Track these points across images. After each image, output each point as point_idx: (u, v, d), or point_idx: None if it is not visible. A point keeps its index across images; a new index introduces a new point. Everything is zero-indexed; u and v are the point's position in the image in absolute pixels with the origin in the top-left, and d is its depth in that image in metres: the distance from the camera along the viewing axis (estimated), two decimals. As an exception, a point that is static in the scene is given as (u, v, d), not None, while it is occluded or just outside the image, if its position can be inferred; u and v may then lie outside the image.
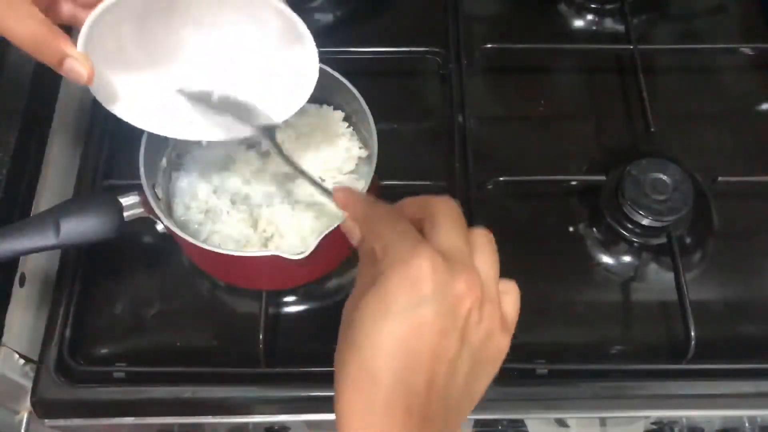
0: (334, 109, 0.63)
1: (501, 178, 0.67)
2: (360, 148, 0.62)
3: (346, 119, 0.63)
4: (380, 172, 0.58)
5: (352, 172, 0.62)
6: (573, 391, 0.60)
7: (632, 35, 0.74)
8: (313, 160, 0.61)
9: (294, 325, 0.62)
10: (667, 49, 0.78)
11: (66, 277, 0.62)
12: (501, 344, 0.38)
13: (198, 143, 0.61)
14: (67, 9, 0.50)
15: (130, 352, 0.61)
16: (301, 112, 0.54)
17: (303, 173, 0.49)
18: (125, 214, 0.52)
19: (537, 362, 0.60)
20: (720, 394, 0.60)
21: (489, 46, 0.74)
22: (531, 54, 0.76)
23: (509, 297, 0.40)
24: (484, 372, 0.39)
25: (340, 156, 0.61)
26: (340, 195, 0.43)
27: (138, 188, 0.54)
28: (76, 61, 0.45)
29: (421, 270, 0.36)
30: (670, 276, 0.63)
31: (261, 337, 0.58)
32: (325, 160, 0.61)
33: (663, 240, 0.64)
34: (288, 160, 0.50)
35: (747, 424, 0.64)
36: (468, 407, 0.39)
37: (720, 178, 0.66)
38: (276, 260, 0.51)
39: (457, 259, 0.37)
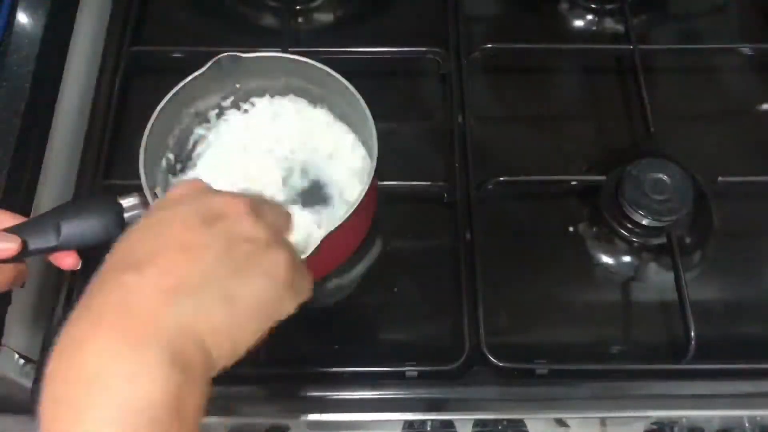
0: (335, 110, 0.63)
1: (501, 178, 0.67)
2: (364, 157, 0.62)
3: (347, 119, 0.63)
4: (380, 172, 0.58)
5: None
6: (573, 391, 0.60)
7: (632, 35, 0.74)
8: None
9: (293, 326, 0.62)
10: (667, 49, 0.78)
11: (66, 277, 0.62)
12: (274, 258, 0.39)
13: (209, 146, 0.61)
14: None
15: (130, 353, 0.61)
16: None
17: None
18: (125, 215, 0.52)
19: (537, 362, 0.60)
20: (720, 394, 0.60)
21: (489, 46, 0.74)
22: (531, 54, 0.76)
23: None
24: (253, 279, 0.38)
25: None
26: None
27: (138, 189, 0.54)
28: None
29: (181, 187, 0.42)
30: (670, 276, 0.63)
31: (261, 337, 0.58)
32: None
33: (663, 240, 0.64)
34: None
35: (747, 424, 0.64)
36: (230, 309, 0.37)
37: (720, 178, 0.66)
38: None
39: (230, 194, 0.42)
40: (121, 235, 0.41)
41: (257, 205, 0.41)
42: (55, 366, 0.33)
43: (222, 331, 0.36)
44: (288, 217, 0.45)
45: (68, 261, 0.50)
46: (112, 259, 0.38)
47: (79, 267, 0.50)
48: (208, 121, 0.63)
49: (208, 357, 0.36)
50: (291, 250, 0.40)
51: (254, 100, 0.64)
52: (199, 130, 0.63)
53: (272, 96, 0.64)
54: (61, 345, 0.34)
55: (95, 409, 0.31)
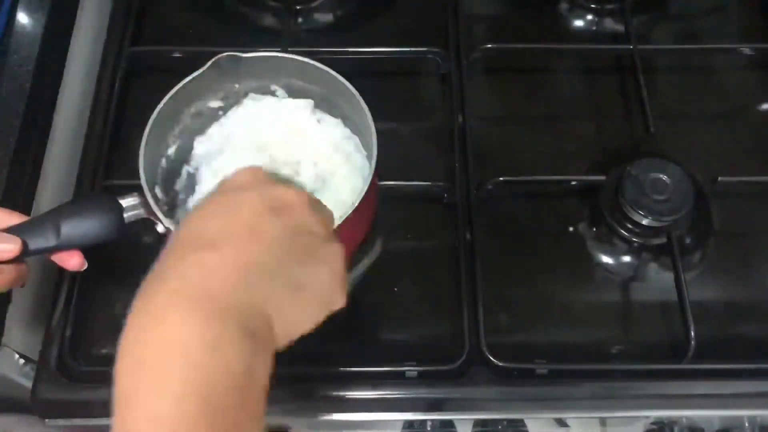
0: (334, 111, 0.63)
1: (501, 178, 0.67)
2: (364, 159, 0.62)
3: (346, 119, 0.63)
4: (380, 172, 0.58)
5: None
6: (573, 391, 0.60)
7: (632, 35, 0.74)
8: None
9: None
10: (667, 49, 0.78)
11: (66, 277, 0.62)
12: (332, 251, 0.41)
13: (216, 154, 0.62)
14: None
15: (130, 353, 0.61)
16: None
17: None
18: (125, 215, 0.52)
19: (537, 362, 0.60)
20: (720, 394, 0.60)
21: (489, 46, 0.74)
22: (531, 54, 0.76)
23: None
24: (317, 269, 0.40)
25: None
26: None
27: (138, 189, 0.54)
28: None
29: (243, 173, 0.43)
30: (670, 276, 0.63)
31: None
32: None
33: (663, 240, 0.64)
34: None
35: (747, 424, 0.64)
36: (297, 295, 0.39)
37: (720, 178, 0.66)
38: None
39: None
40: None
41: (313, 199, 0.43)
42: (134, 331, 0.35)
43: (287, 314, 0.38)
44: (332, 214, 0.46)
45: (74, 262, 0.50)
46: (183, 234, 0.39)
47: (85, 268, 0.50)
48: (208, 120, 0.63)
49: (271, 333, 0.38)
50: (342, 246, 0.42)
51: (255, 97, 0.63)
52: (199, 130, 0.63)
53: (275, 96, 0.64)
54: (140, 313, 0.36)
55: (177, 372, 0.33)
